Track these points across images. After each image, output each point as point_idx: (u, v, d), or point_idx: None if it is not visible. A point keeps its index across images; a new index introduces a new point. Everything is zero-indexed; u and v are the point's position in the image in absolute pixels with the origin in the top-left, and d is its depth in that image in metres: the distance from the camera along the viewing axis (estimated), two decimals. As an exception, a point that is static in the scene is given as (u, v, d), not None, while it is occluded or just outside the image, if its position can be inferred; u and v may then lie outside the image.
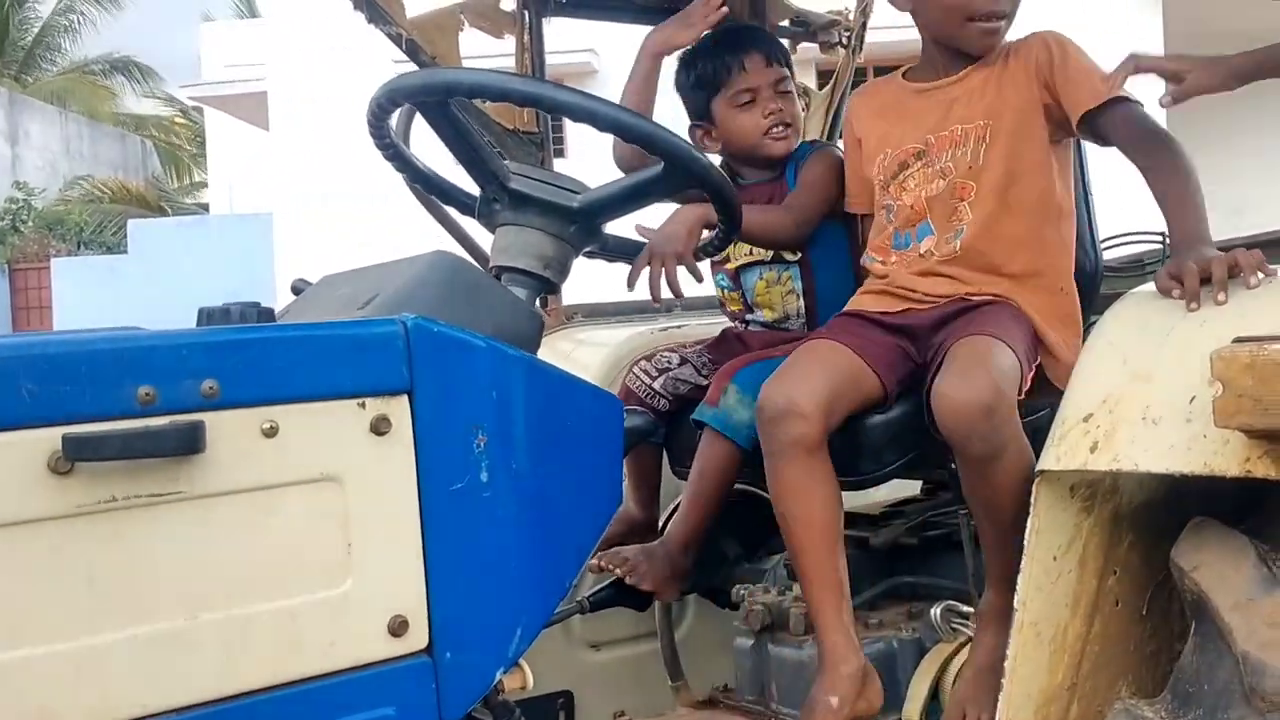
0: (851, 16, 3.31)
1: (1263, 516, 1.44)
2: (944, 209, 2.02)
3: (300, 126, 13.60)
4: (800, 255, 2.27)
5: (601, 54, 13.13)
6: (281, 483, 1.21)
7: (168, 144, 27.44)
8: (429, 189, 1.92)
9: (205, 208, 23.72)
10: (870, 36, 3.36)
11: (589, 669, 2.41)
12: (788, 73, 2.39)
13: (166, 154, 27.42)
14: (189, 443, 1.14)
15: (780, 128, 2.30)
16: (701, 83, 2.38)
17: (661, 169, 1.64)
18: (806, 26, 3.28)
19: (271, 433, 1.20)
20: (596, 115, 1.57)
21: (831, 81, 3.36)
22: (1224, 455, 1.36)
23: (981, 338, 1.82)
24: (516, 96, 1.64)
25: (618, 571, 2.12)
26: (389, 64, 12.36)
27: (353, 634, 1.25)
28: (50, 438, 1.08)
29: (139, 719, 1.13)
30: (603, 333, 2.66)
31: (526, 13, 2.81)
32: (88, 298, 17.36)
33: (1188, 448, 1.40)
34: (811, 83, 3.71)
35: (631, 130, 1.62)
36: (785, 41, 2.99)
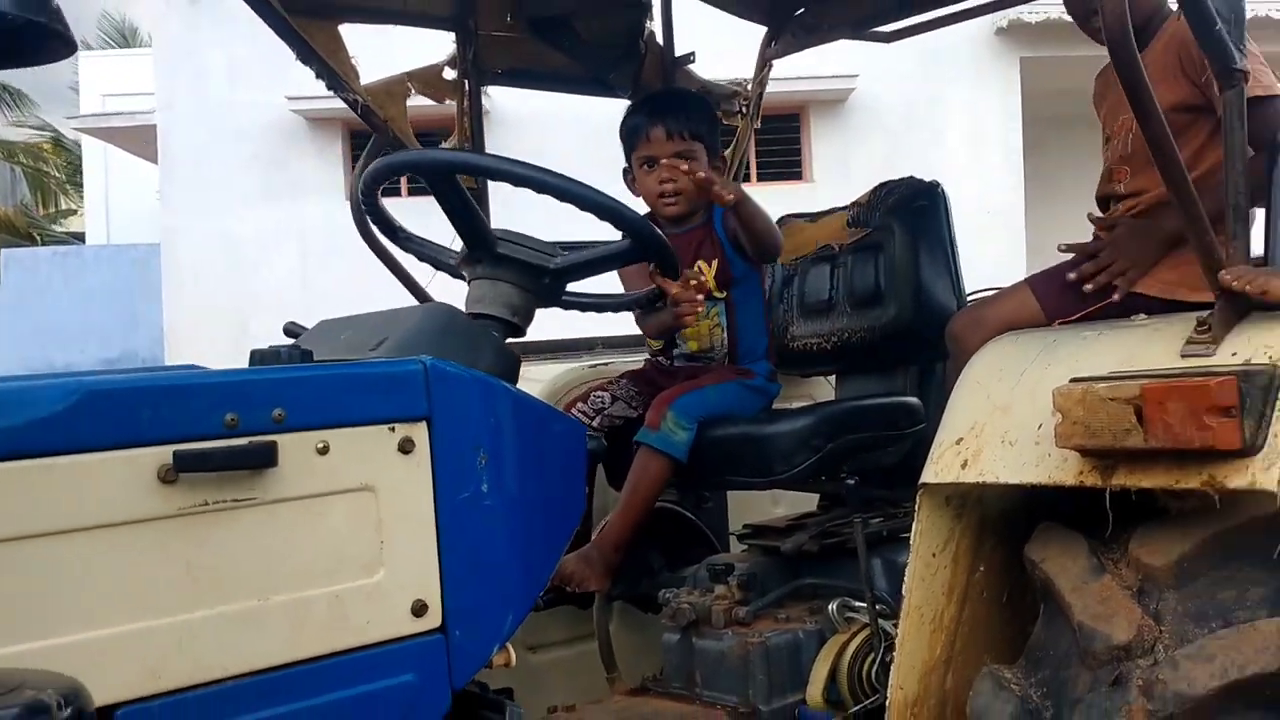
0: (750, 88, 3.71)
1: (1094, 520, 1.82)
2: None
3: (192, 159, 13.57)
4: (726, 295, 2.64)
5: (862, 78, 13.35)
6: (331, 491, 1.51)
7: (36, 171, 26.79)
8: (405, 247, 2.21)
9: (78, 237, 23.22)
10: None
11: (528, 669, 2.70)
12: (692, 145, 2.70)
13: (35, 181, 26.76)
14: (266, 458, 1.43)
15: (671, 196, 2.66)
16: (624, 138, 2.74)
17: (628, 245, 1.98)
18: (711, 97, 3.66)
19: (324, 451, 1.50)
20: (583, 199, 1.90)
21: (733, 143, 3.75)
22: (1063, 470, 1.74)
23: None
24: (520, 180, 1.91)
25: (564, 585, 2.44)
26: (284, 101, 12.43)
27: (384, 614, 1.54)
28: (161, 453, 1.36)
29: (221, 679, 1.41)
30: (536, 368, 2.98)
31: (466, 81, 3.13)
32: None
33: (1036, 464, 1.78)
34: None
35: (604, 210, 1.94)
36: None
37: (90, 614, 1.32)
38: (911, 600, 1.90)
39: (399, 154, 2.15)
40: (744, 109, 3.70)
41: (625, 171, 2.83)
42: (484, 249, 1.93)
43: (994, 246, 11.61)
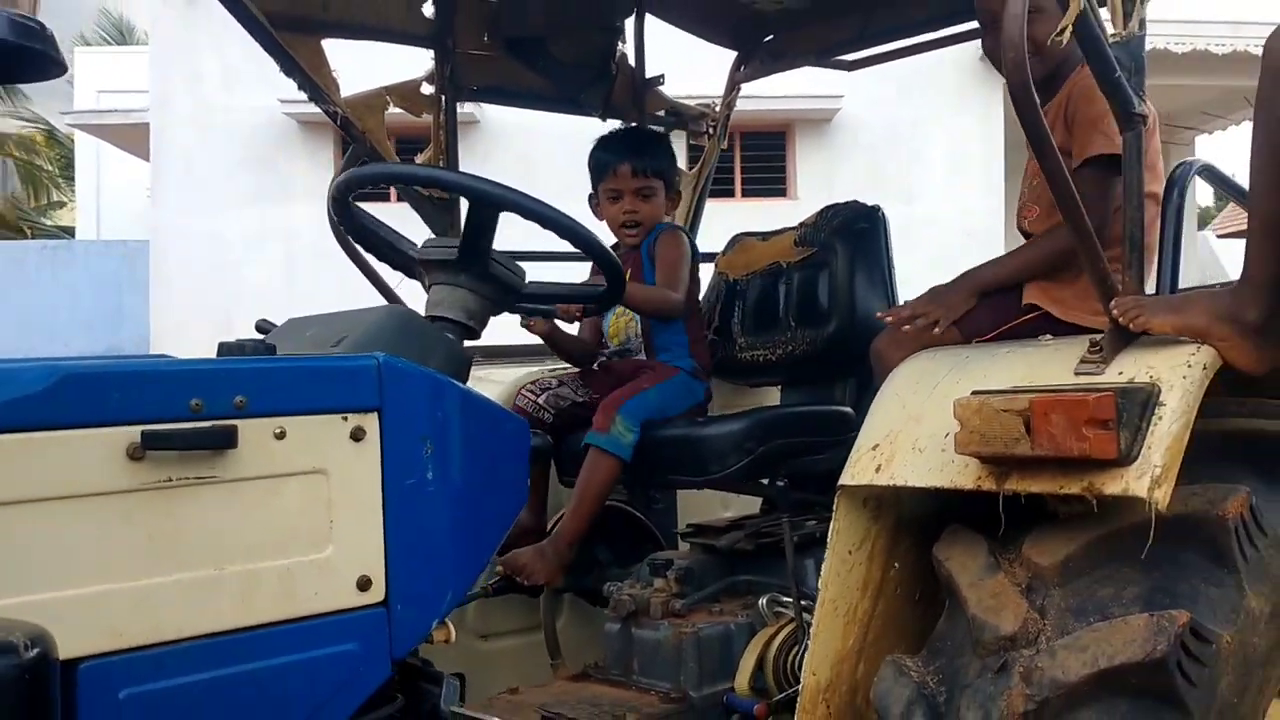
0: (718, 110, 3.87)
1: (995, 524, 1.97)
2: None
3: (183, 158, 13.70)
4: None
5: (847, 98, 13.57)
6: (287, 473, 1.65)
7: (28, 164, 26.85)
8: (374, 250, 2.36)
9: (68, 231, 23.29)
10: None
11: (479, 655, 2.85)
12: (653, 182, 2.95)
13: (26, 173, 26.82)
14: (227, 440, 1.57)
15: (631, 226, 2.90)
16: (592, 170, 2.93)
17: (596, 290, 2.16)
18: (680, 118, 3.83)
19: (281, 435, 1.64)
20: (524, 208, 2.05)
21: (700, 162, 3.91)
22: (964, 475, 1.90)
23: None
24: (472, 193, 2.07)
25: (516, 576, 2.59)
26: (276, 104, 12.57)
27: (331, 587, 1.68)
28: (130, 432, 1.51)
29: (177, 640, 1.55)
30: (499, 371, 3.13)
31: (443, 97, 3.28)
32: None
33: (941, 469, 1.93)
34: (682, 160, 4.24)
35: (561, 227, 2.10)
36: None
37: (59, 576, 1.46)
38: (827, 594, 2.05)
39: (372, 166, 2.30)
40: (710, 129, 3.87)
41: (591, 198, 3.02)
42: (478, 262, 2.07)
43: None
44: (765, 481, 2.59)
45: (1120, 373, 1.85)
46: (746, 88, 3.89)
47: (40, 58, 1.21)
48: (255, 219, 13.77)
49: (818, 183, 14.14)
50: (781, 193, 14.78)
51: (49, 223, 25.20)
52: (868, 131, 14.19)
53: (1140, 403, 1.76)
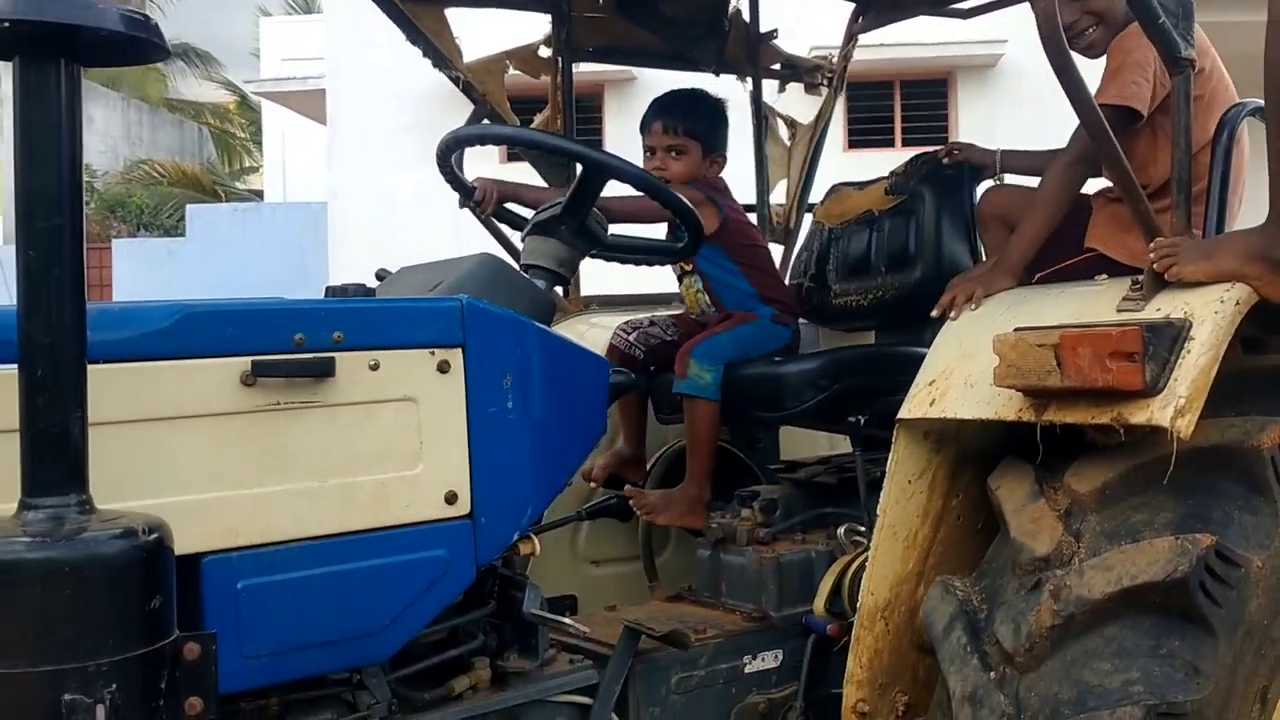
0: (834, 60, 3.95)
1: (1043, 455, 2.06)
2: None
3: (356, 123, 14.35)
4: (693, 265, 2.99)
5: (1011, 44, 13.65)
6: (380, 399, 1.89)
7: (221, 130, 28.38)
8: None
9: (258, 194, 24.60)
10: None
11: (589, 579, 3.08)
12: (684, 140, 3.03)
13: (220, 140, 28.35)
14: (326, 370, 1.82)
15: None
16: (640, 127, 3.09)
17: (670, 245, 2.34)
18: (795, 70, 3.93)
19: (375, 367, 1.88)
20: (606, 166, 2.24)
21: (816, 115, 4.00)
22: (1007, 407, 2.01)
23: None
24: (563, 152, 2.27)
25: (642, 513, 2.80)
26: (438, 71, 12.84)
27: (422, 500, 1.92)
28: (243, 362, 1.76)
29: (285, 540, 1.80)
30: (610, 318, 3.33)
31: (560, 58, 3.48)
32: (146, 278, 18.18)
33: (987, 402, 2.05)
34: (803, 112, 4.31)
35: (642, 183, 2.28)
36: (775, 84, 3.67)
37: (184, 483, 1.72)
38: (885, 519, 2.19)
39: (469, 128, 2.52)
40: (827, 81, 3.96)
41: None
42: (575, 220, 2.28)
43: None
44: (847, 420, 2.72)
45: (1158, 309, 1.93)
46: (907, 35, 3.93)
47: (147, 44, 1.44)
48: (422, 181, 14.32)
49: (980, 131, 13.77)
50: (944, 140, 14.52)
51: (242, 187, 26.64)
52: (1032, 78, 13.74)
53: (1170, 337, 1.84)
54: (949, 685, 1.93)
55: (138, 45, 1.42)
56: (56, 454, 1.42)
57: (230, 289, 17.69)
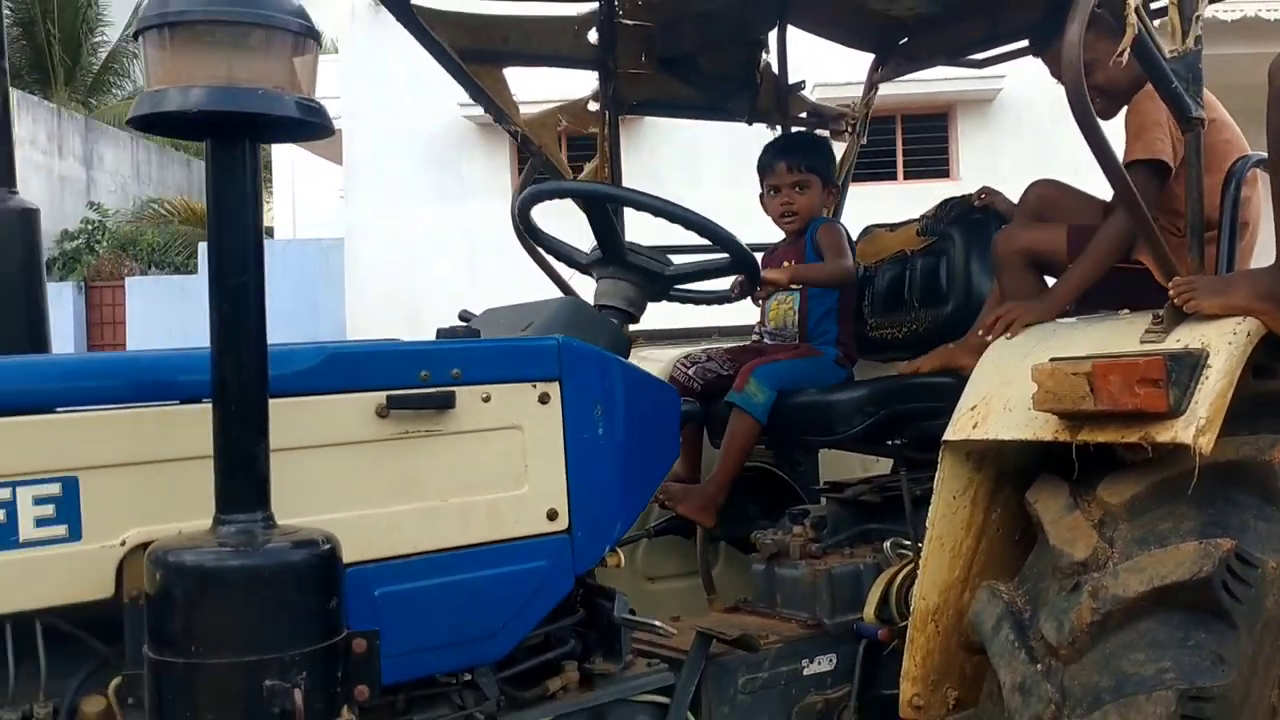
0: (855, 109, 4.23)
1: (1077, 473, 2.30)
2: None
3: (373, 160, 14.68)
4: (802, 289, 3.25)
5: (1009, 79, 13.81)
6: (492, 428, 2.13)
7: (227, 169, 28.63)
8: (555, 254, 2.84)
9: (267, 231, 24.90)
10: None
11: (646, 595, 3.31)
12: (807, 177, 3.40)
13: (226, 178, 28.61)
14: (447, 402, 2.06)
15: (789, 215, 3.33)
16: (759, 171, 3.39)
17: (726, 260, 2.58)
18: (821, 118, 4.20)
19: (487, 399, 2.13)
20: (677, 218, 2.49)
21: (840, 158, 4.26)
22: (1044, 429, 2.25)
23: None
24: (630, 203, 2.54)
25: (669, 504, 3.05)
26: (457, 108, 13.32)
27: (528, 517, 2.16)
28: (379, 396, 2.01)
29: (413, 553, 2.04)
30: (659, 351, 3.58)
31: (607, 112, 3.75)
32: (159, 315, 18.39)
33: (1026, 425, 2.29)
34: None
35: (699, 228, 2.54)
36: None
37: (330, 503, 1.96)
38: (934, 532, 2.42)
39: (547, 184, 2.79)
40: (850, 127, 4.23)
41: (760, 197, 3.49)
42: (616, 256, 2.54)
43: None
44: (889, 443, 2.97)
45: (1178, 340, 2.18)
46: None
47: (318, 126, 1.69)
48: (439, 217, 14.67)
49: (981, 164, 14.17)
50: (945, 174, 14.85)
51: (248, 224, 26.84)
52: (1031, 111, 14.12)
53: (1190, 365, 2.09)
54: (999, 677, 2.17)
55: (309, 126, 1.67)
56: (245, 477, 1.66)
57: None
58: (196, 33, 1.54)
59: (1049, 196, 3.02)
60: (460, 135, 14.51)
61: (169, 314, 18.23)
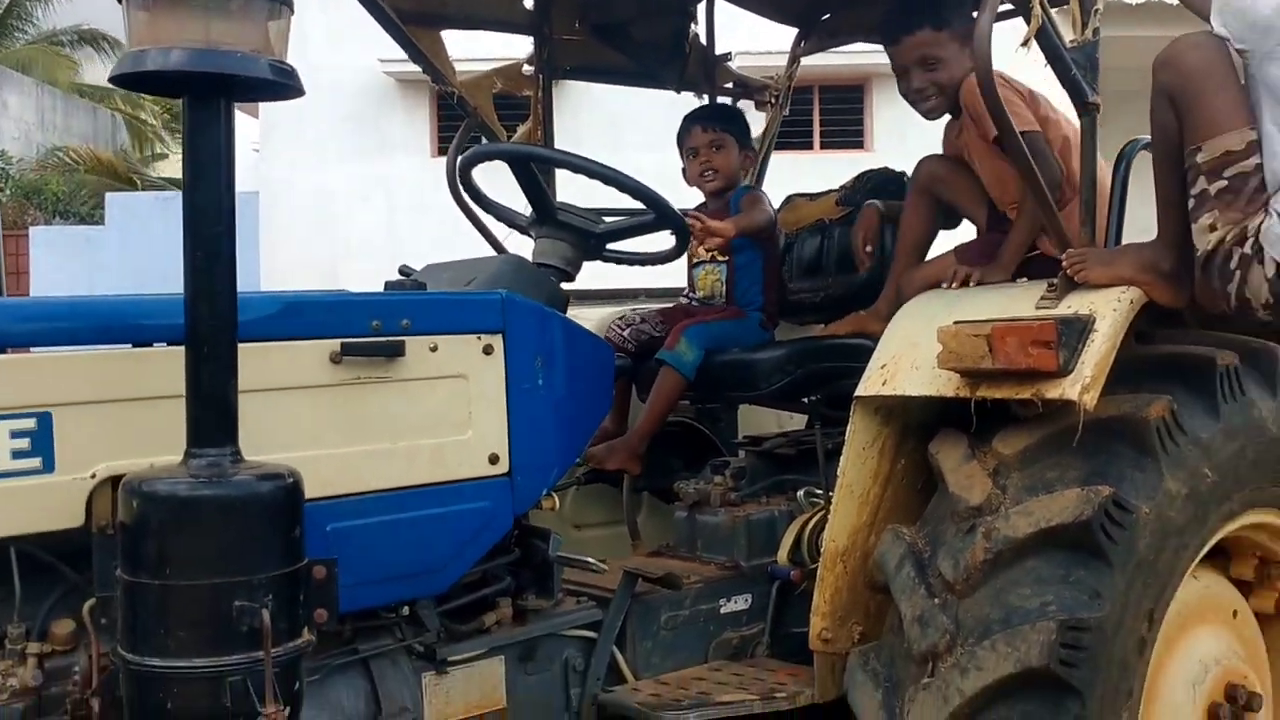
0: (778, 81, 4.39)
1: (975, 426, 2.50)
2: None
3: (291, 115, 14.50)
4: (728, 258, 3.41)
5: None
6: (439, 376, 2.27)
7: (133, 117, 28.01)
8: (493, 213, 2.97)
9: (172, 181, 24.37)
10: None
11: (574, 542, 3.47)
12: (722, 136, 3.57)
13: (132, 127, 27.98)
14: (398, 351, 2.20)
15: (708, 173, 3.50)
16: (677, 141, 3.54)
17: (653, 218, 2.74)
18: (746, 89, 4.36)
19: (434, 349, 2.26)
20: (609, 180, 2.64)
21: (764, 129, 4.44)
22: (946, 385, 2.45)
23: None
24: (567, 165, 2.69)
25: (594, 465, 3.22)
26: (377, 64, 13.19)
27: (471, 460, 2.31)
28: (333, 343, 2.14)
29: (365, 491, 2.18)
30: (589, 310, 3.73)
31: (541, 76, 3.87)
32: (65, 266, 17.98)
33: (930, 382, 2.49)
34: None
35: (631, 190, 2.69)
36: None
37: (288, 442, 2.08)
38: (844, 479, 2.62)
39: (486, 146, 2.92)
40: (774, 99, 4.40)
41: (683, 170, 3.67)
42: (549, 216, 2.69)
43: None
44: (805, 400, 3.17)
45: (1069, 307, 2.39)
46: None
47: (288, 86, 1.81)
48: (358, 173, 14.58)
49: (895, 135, 14.46)
50: (860, 145, 15.15)
51: (154, 174, 26.34)
52: (945, 84, 14.44)
53: (1078, 330, 2.30)
54: (900, 611, 2.38)
55: (280, 87, 1.78)
56: (215, 414, 1.79)
57: (152, 278, 17.60)
58: (181, -2, 1.65)
59: (938, 174, 3.22)
60: (380, 91, 14.44)
61: (74, 265, 17.84)
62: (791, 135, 14.83)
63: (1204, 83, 2.34)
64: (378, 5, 3.46)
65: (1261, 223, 2.27)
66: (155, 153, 28.43)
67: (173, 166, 25.59)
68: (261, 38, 1.73)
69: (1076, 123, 2.60)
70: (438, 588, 2.32)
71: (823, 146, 14.62)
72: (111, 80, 1.74)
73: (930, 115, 3.08)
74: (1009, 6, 2.33)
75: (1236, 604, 2.74)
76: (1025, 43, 2.33)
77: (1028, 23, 2.34)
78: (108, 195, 19.72)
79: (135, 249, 17.93)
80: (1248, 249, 2.29)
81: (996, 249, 2.87)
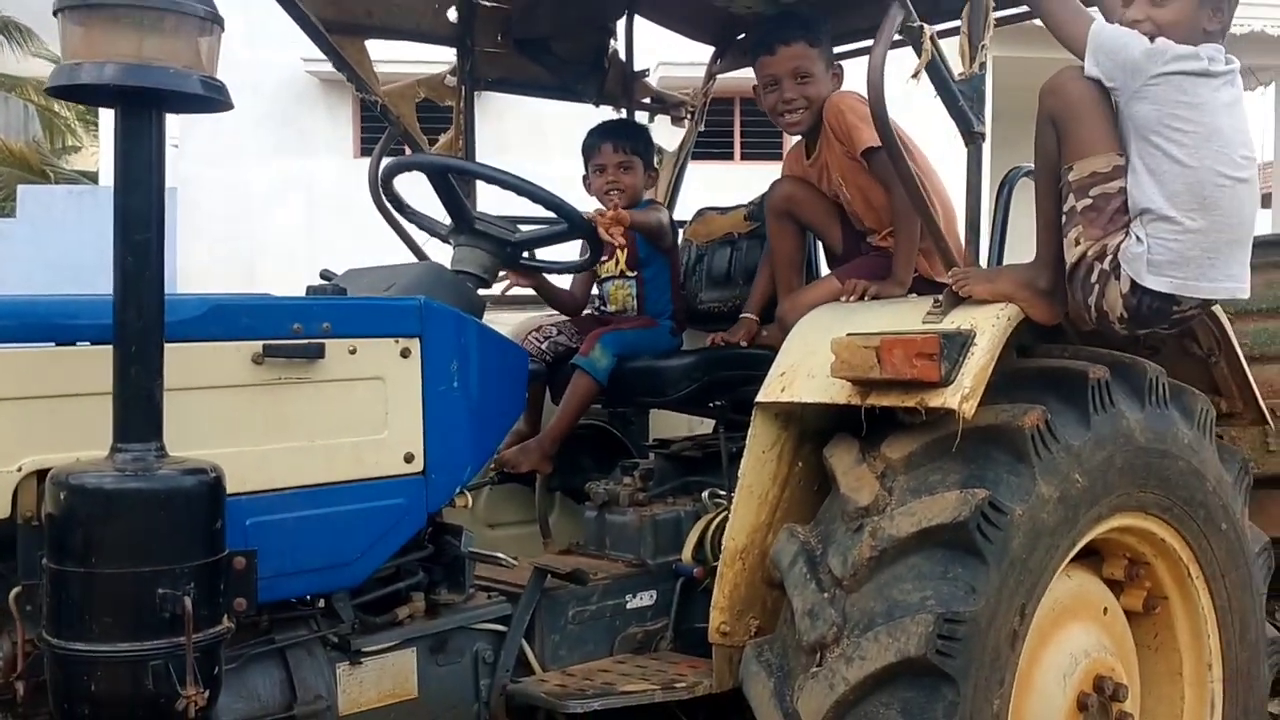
0: (695, 97, 4.54)
1: (865, 432, 2.66)
2: None
3: (212, 113, 14.36)
4: (636, 273, 3.55)
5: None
6: (357, 378, 2.38)
7: (46, 108, 27.41)
8: (414, 221, 3.08)
9: (85, 175, 23.92)
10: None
11: (487, 540, 3.58)
12: (631, 158, 3.69)
13: (45, 118, 27.37)
14: (318, 353, 2.30)
15: (614, 191, 3.63)
16: (583, 153, 3.65)
17: (565, 227, 2.86)
18: (663, 104, 4.51)
19: (353, 352, 2.36)
20: (523, 191, 2.77)
21: (680, 143, 4.58)
22: (839, 393, 2.60)
23: None
24: (484, 178, 2.81)
25: (506, 468, 3.34)
26: (300, 63, 13.09)
27: (387, 459, 2.41)
28: (254, 345, 2.23)
29: (283, 488, 2.27)
30: (505, 315, 3.84)
31: (463, 88, 3.98)
32: (-28, 260, 17.61)
33: (825, 390, 2.65)
34: (668, 140, 4.91)
35: (544, 202, 2.81)
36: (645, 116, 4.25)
37: (208, 439, 2.17)
38: (744, 481, 2.76)
39: (406, 158, 3.04)
40: (689, 114, 4.55)
41: (584, 179, 3.75)
42: (466, 225, 2.80)
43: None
44: (711, 405, 3.32)
45: (952, 321, 2.56)
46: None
47: (218, 102, 1.90)
48: (278, 172, 14.49)
49: (813, 147, 14.71)
50: (779, 157, 15.24)
51: (67, 167, 25.80)
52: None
53: (960, 343, 2.47)
54: (793, 605, 2.52)
55: (210, 101, 1.88)
56: (142, 411, 1.88)
57: (64, 273, 17.25)
58: (116, 15, 1.74)
59: (794, 195, 3.39)
60: (302, 90, 14.37)
61: (-16, 258, 17.44)
62: (712, 146, 15.06)
63: (1082, 109, 2.52)
64: (302, 13, 3.54)
65: (1121, 242, 2.47)
66: (68, 145, 27.82)
67: (86, 160, 25.10)
68: (193, 54, 1.82)
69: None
70: (353, 581, 2.41)
71: (743, 158, 14.84)
72: (48, 91, 1.82)
73: (794, 129, 3.24)
74: (899, 37, 2.48)
75: (1107, 601, 2.93)
76: (915, 74, 2.49)
77: (918, 55, 2.51)
78: (20, 188, 19.26)
79: (47, 243, 17.54)
80: (1106, 265, 2.48)
81: (873, 267, 3.04)
